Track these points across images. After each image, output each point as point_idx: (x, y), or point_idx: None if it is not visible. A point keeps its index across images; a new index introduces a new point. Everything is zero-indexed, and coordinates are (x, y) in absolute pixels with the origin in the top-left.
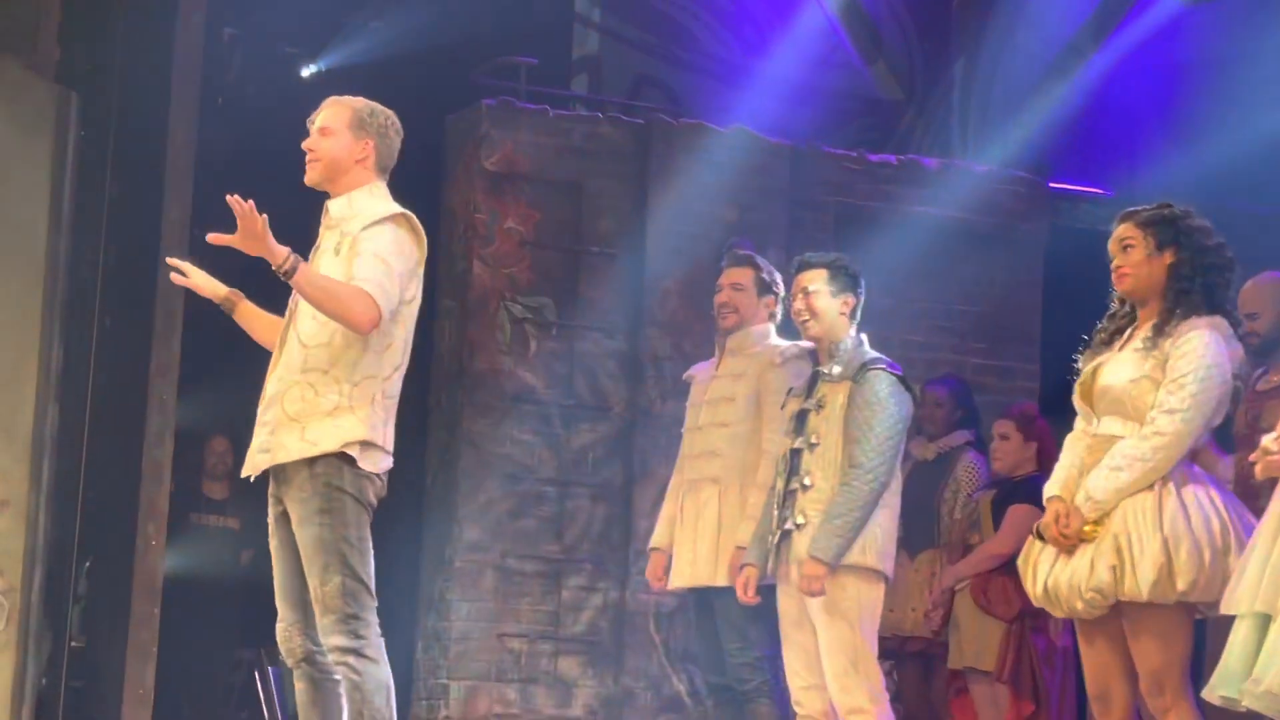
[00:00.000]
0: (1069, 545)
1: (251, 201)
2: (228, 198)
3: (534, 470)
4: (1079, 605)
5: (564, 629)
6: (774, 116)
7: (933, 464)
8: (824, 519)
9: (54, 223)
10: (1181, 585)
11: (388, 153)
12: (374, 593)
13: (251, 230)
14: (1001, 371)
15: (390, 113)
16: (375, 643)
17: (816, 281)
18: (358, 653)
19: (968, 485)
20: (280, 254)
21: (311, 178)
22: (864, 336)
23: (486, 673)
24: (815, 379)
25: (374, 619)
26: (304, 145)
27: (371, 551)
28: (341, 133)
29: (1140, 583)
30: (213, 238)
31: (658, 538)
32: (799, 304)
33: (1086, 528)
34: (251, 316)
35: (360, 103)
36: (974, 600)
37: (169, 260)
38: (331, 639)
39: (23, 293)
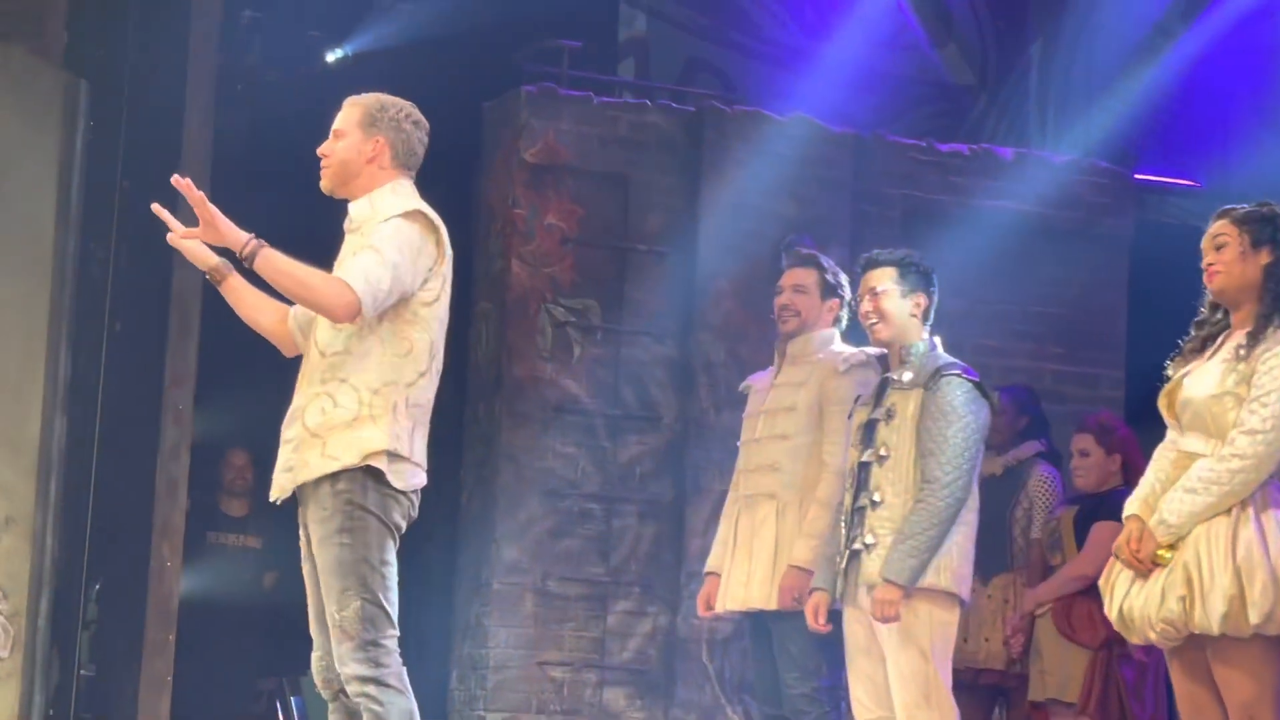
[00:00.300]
0: (1143, 569)
1: (188, 180)
2: (173, 179)
3: (577, 486)
4: (1152, 635)
5: (610, 657)
6: (836, 103)
7: (1001, 479)
8: (897, 538)
9: (61, 220)
10: (1255, 618)
11: (405, 148)
12: (395, 621)
13: (203, 217)
14: (1083, 379)
15: (405, 104)
16: (397, 670)
17: (885, 281)
18: (378, 681)
19: (1043, 502)
20: (240, 239)
21: (324, 184)
22: (938, 340)
23: (526, 704)
24: (885, 386)
25: (395, 647)
26: (318, 151)
27: (395, 577)
28: (352, 132)
29: (1210, 616)
30: (171, 237)
31: (713, 560)
32: (866, 305)
33: (1160, 552)
34: (241, 292)
35: (371, 99)
36: (1056, 627)
37: (155, 208)
38: (349, 667)
39: (28, 295)
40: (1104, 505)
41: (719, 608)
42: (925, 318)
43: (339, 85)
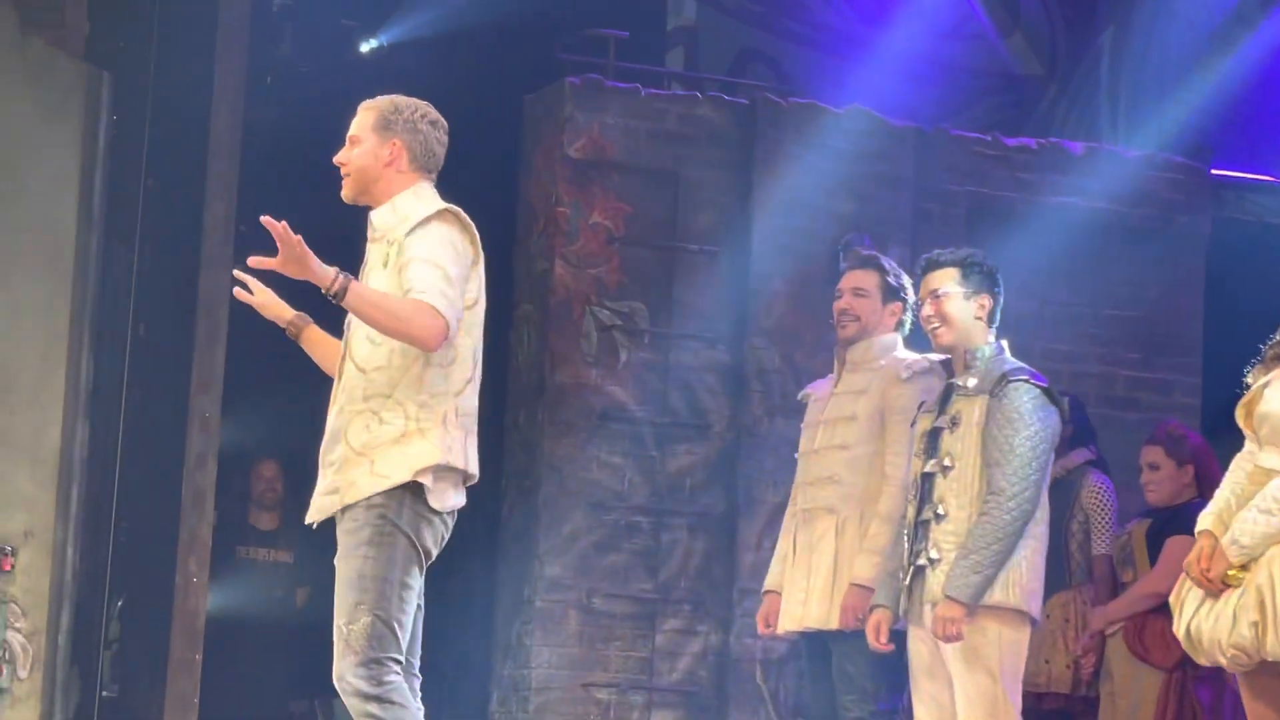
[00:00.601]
0: (1213, 589)
1: (285, 223)
2: (263, 220)
3: (624, 498)
4: (1222, 660)
5: (659, 678)
6: (896, 95)
7: (1051, 490)
8: (960, 553)
9: (84, 218)
10: None
11: (423, 149)
12: (402, 647)
13: (291, 253)
14: (1158, 385)
15: (421, 104)
16: (400, 688)
17: (947, 282)
18: (380, 699)
19: (1100, 515)
20: (327, 276)
21: (345, 194)
22: (1004, 344)
23: None
24: (949, 393)
25: (398, 669)
26: (336, 160)
27: (414, 603)
28: (368, 138)
29: None
30: (254, 261)
31: (772, 578)
32: (928, 309)
33: (1231, 572)
34: (320, 343)
35: (384, 101)
36: (1128, 647)
37: (237, 273)
38: (349, 682)
39: (49, 297)
40: (1177, 519)
41: (778, 628)
42: (990, 320)
43: (373, 77)
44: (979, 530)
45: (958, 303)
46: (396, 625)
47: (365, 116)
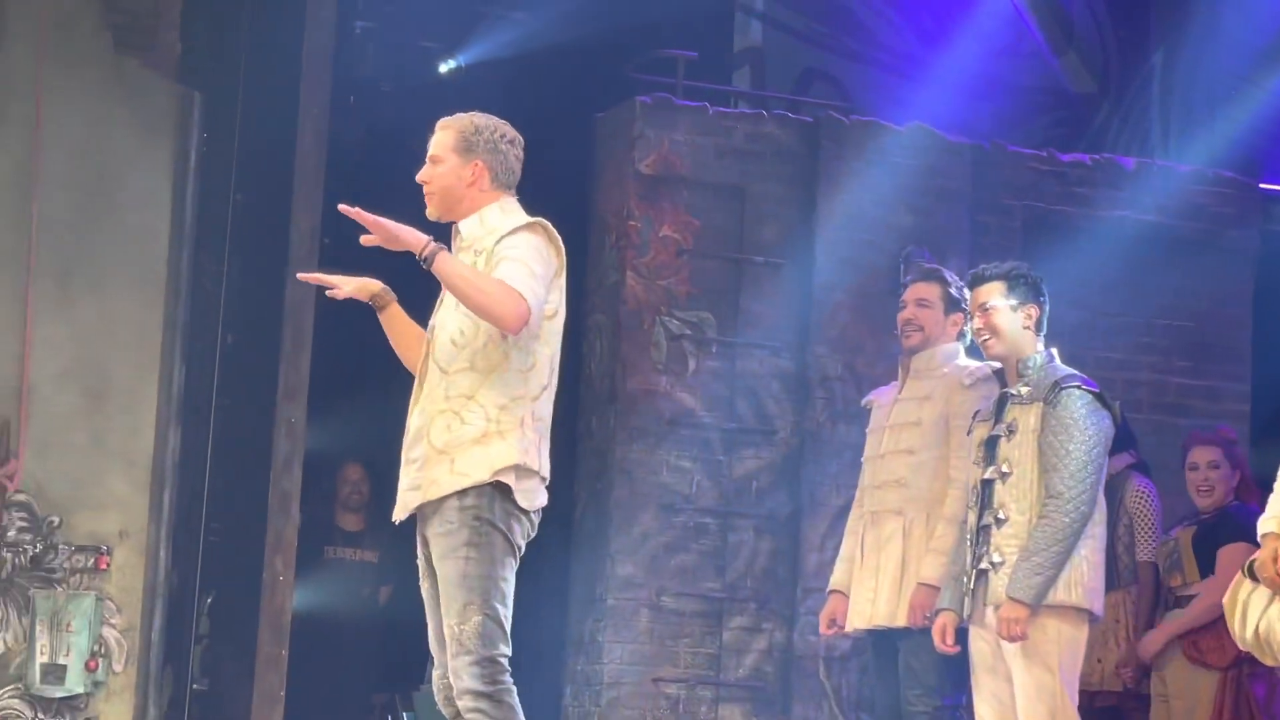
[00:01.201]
0: None
1: (357, 209)
2: (340, 207)
3: (693, 500)
4: None
5: (726, 673)
6: (954, 113)
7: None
8: (1021, 555)
9: (175, 232)
10: None
11: (504, 168)
12: (509, 640)
13: (381, 232)
14: (1207, 393)
15: (500, 123)
16: (511, 688)
17: (994, 296)
18: (492, 698)
19: (1144, 520)
20: (420, 240)
21: (430, 212)
22: (1054, 351)
23: None
24: (1004, 401)
25: (509, 666)
26: (419, 178)
27: (512, 595)
28: (449, 158)
29: None
30: (350, 211)
31: (837, 578)
32: (978, 322)
33: None
34: (399, 321)
35: (465, 121)
36: (1185, 654)
37: (300, 276)
38: (464, 681)
39: (142, 308)
40: (1224, 525)
41: (847, 627)
42: (1038, 329)
43: (452, 96)
44: (1039, 533)
45: (1005, 315)
46: (504, 621)
47: (445, 136)
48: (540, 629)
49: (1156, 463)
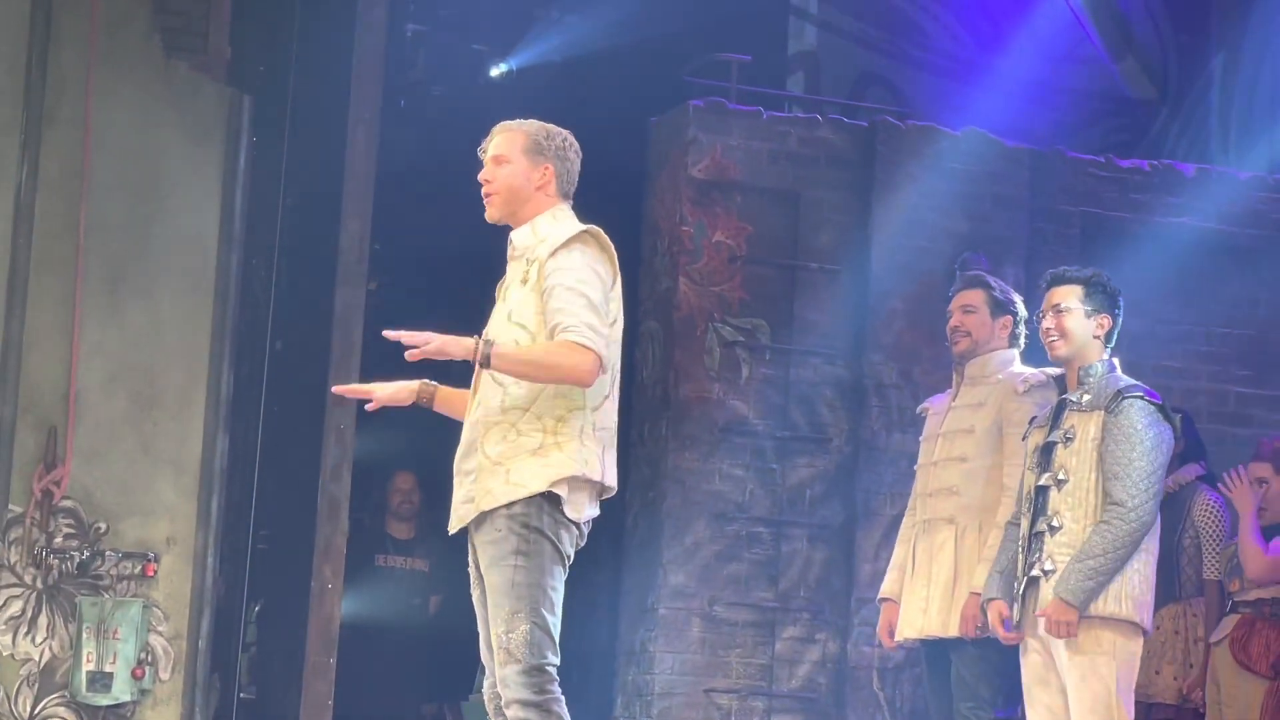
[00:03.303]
0: None
1: (402, 332)
2: (385, 333)
3: (746, 509)
4: None
5: (778, 684)
6: (1012, 118)
7: (1164, 504)
8: (1076, 557)
9: (224, 237)
10: None
11: (568, 176)
12: (558, 649)
13: (427, 348)
14: (1270, 402)
15: (567, 133)
16: (559, 698)
17: (1070, 299)
18: (542, 708)
19: (1211, 533)
20: (469, 348)
21: (492, 214)
22: (1116, 362)
23: None
24: (1062, 408)
25: (556, 675)
26: (480, 178)
27: (561, 605)
28: (518, 159)
29: None
30: (397, 336)
31: (888, 587)
32: (1048, 322)
33: None
34: (453, 399)
35: (534, 125)
36: (1233, 657)
37: (336, 390)
38: (512, 691)
39: (191, 313)
40: None
41: (898, 636)
42: (1108, 340)
43: (503, 100)
44: (1098, 537)
45: (1078, 319)
46: (553, 630)
47: (513, 138)
48: (591, 639)
49: (1217, 474)
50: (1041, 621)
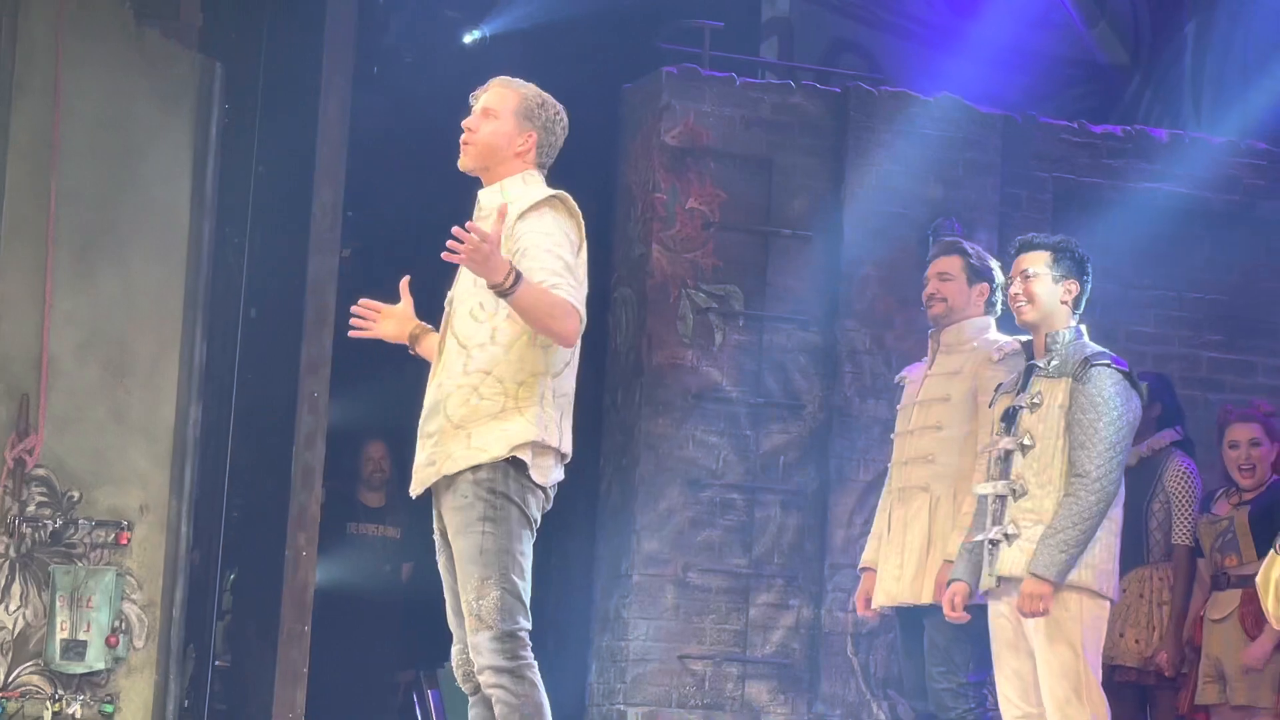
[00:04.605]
0: None
1: (468, 226)
2: (455, 230)
3: (719, 475)
4: None
5: (752, 650)
6: (985, 84)
7: (1137, 470)
8: (1047, 532)
9: (196, 204)
10: None
11: (549, 148)
12: (529, 613)
13: (480, 250)
14: (1240, 367)
15: (561, 106)
16: (532, 663)
17: (1038, 264)
18: (514, 673)
19: (1181, 499)
20: (504, 270)
21: (465, 162)
22: (1084, 329)
23: (666, 698)
24: (1029, 373)
25: (529, 640)
26: (464, 124)
27: (530, 569)
28: (506, 118)
29: None
30: (447, 255)
31: (867, 556)
32: (1016, 287)
33: None
34: (430, 343)
35: (531, 90)
36: (1244, 631)
37: (356, 309)
38: (485, 657)
39: (163, 281)
40: (1277, 502)
41: (874, 603)
42: (1075, 306)
43: (476, 66)
44: (1065, 511)
45: (1046, 284)
46: (524, 595)
47: (506, 95)
48: (566, 605)
49: (1190, 439)
50: (1001, 583)
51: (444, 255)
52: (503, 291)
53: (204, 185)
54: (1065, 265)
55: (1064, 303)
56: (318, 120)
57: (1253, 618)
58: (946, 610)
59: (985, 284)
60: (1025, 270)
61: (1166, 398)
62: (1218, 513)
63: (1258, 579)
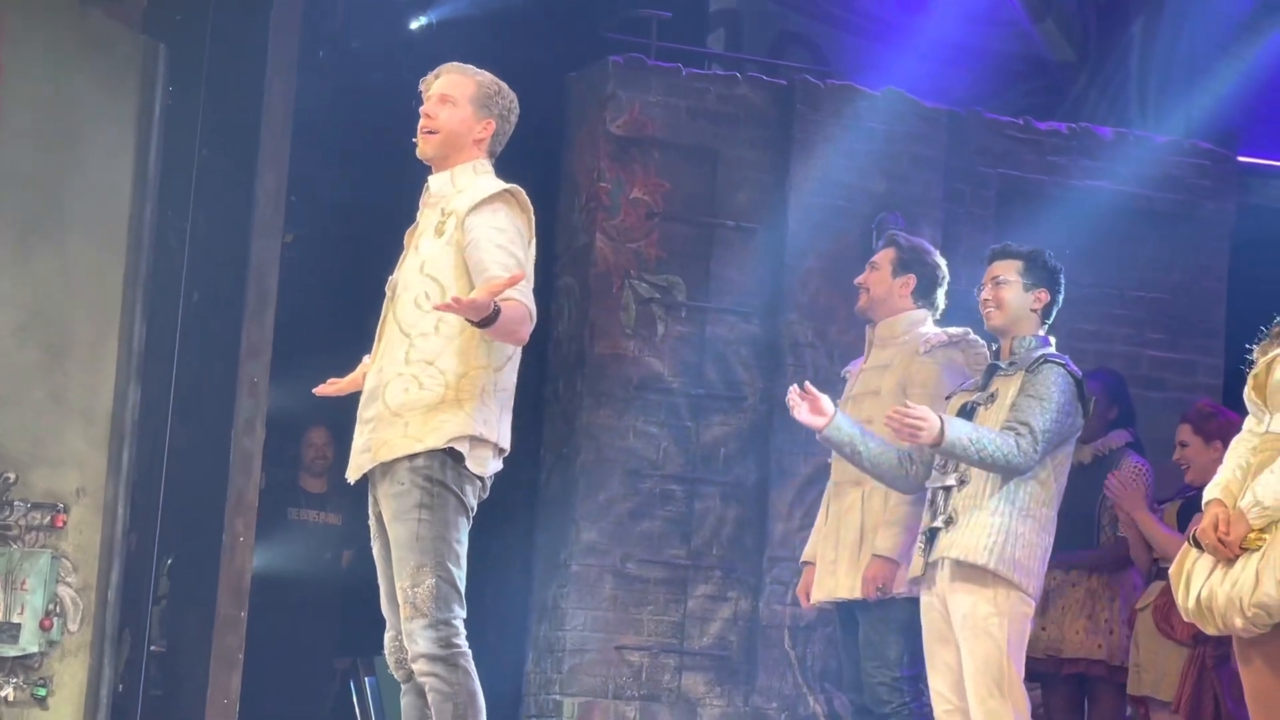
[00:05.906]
0: (1229, 555)
1: (451, 299)
2: (435, 306)
3: (659, 466)
4: (1238, 622)
5: (690, 642)
6: (930, 78)
7: (1090, 468)
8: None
9: (138, 187)
10: None
11: (502, 136)
12: (464, 602)
13: (469, 311)
14: (1181, 365)
15: (514, 95)
16: (466, 652)
17: (1009, 272)
18: (448, 662)
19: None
20: (485, 309)
21: (425, 151)
22: (1051, 339)
23: (603, 688)
24: (991, 373)
25: (463, 628)
26: (422, 111)
27: (466, 557)
28: (463, 105)
29: None
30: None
31: (809, 550)
32: (986, 293)
33: (1251, 535)
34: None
35: (487, 77)
36: (1154, 623)
37: (317, 391)
38: (419, 645)
39: (103, 263)
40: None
41: (811, 599)
42: (1045, 315)
43: (422, 53)
44: (996, 437)
45: (1016, 291)
46: (459, 583)
47: (464, 83)
48: (504, 594)
49: (1140, 440)
50: (940, 575)
51: (436, 306)
52: (481, 323)
53: (146, 168)
54: (1036, 274)
55: (1033, 310)
56: (262, 104)
57: (1163, 609)
58: (863, 588)
59: (911, 276)
60: (996, 277)
61: (1122, 400)
62: (1160, 508)
63: (1170, 570)
